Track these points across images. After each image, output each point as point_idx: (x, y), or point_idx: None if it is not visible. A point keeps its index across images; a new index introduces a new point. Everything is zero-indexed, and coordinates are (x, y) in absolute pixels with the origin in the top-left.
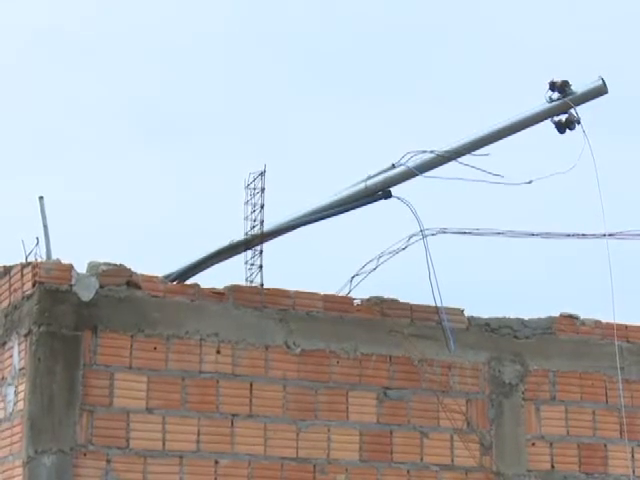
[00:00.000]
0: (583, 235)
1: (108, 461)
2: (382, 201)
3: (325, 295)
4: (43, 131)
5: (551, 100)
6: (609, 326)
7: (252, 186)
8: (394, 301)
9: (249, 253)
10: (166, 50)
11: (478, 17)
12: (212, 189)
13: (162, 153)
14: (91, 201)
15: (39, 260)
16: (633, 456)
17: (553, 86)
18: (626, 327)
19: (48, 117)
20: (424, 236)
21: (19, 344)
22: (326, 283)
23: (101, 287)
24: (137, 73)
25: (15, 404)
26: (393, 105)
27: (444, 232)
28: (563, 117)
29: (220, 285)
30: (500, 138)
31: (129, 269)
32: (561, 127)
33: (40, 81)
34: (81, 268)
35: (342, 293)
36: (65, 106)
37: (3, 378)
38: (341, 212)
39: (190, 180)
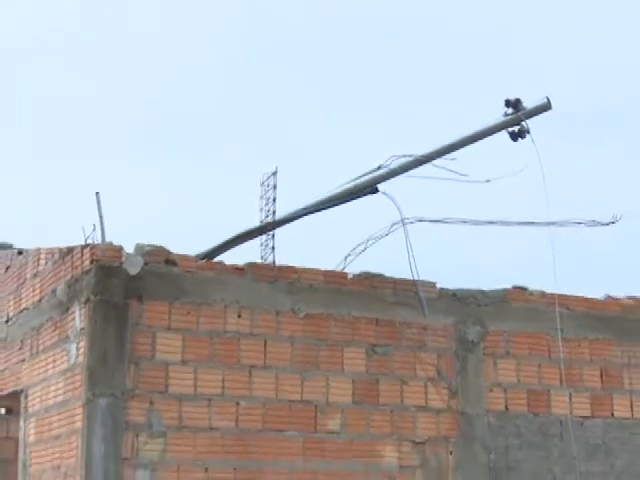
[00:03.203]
0: (532, 223)
1: (151, 403)
2: (370, 196)
3: (325, 271)
4: (81, 133)
5: (506, 115)
6: (552, 296)
7: (266, 183)
8: (380, 276)
9: (264, 237)
10: (190, 64)
11: (450, 43)
12: (233, 186)
13: (193, 160)
14: (140, 196)
15: (96, 242)
16: (570, 399)
17: (508, 103)
18: (566, 297)
19: (57, 119)
20: (404, 224)
21: (80, 309)
22: (325, 261)
23: (145, 264)
24: (172, 86)
25: (77, 357)
26: (380, 118)
27: (420, 221)
28: (516, 128)
29: (240, 262)
30: (465, 145)
31: (168, 250)
32: (514, 136)
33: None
34: (129, 249)
35: (338, 269)
36: (97, 108)
37: (67, 337)
38: (338, 204)
39: (217, 180)
